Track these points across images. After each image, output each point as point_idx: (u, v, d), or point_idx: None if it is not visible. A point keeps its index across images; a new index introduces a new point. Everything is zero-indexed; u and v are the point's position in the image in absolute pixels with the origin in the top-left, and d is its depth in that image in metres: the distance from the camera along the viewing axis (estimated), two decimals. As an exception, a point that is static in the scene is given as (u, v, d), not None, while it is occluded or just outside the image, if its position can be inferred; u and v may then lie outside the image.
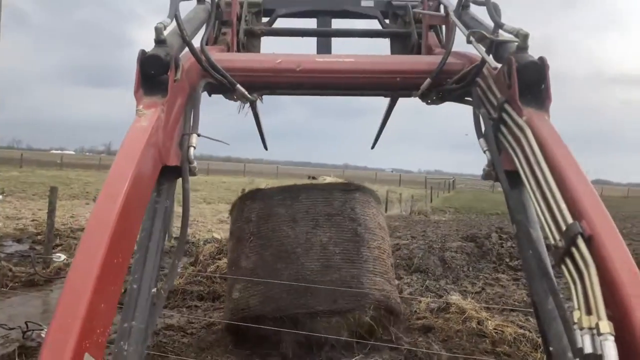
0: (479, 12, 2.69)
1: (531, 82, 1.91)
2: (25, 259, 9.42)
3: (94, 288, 1.27)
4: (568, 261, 1.44)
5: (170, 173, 1.95)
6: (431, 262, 8.78)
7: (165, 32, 2.01)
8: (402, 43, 4.04)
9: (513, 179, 1.87)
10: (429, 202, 33.29)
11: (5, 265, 7.72)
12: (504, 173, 1.88)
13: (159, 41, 1.99)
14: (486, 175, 2.00)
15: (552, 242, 1.54)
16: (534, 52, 2.02)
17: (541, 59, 1.92)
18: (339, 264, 4.75)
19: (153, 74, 1.93)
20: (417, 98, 2.70)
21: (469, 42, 2.27)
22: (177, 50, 2.07)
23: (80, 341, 1.18)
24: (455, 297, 6.60)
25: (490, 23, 2.28)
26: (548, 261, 1.67)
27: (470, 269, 8.91)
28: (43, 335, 2.66)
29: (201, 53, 2.23)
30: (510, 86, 1.94)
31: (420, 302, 6.47)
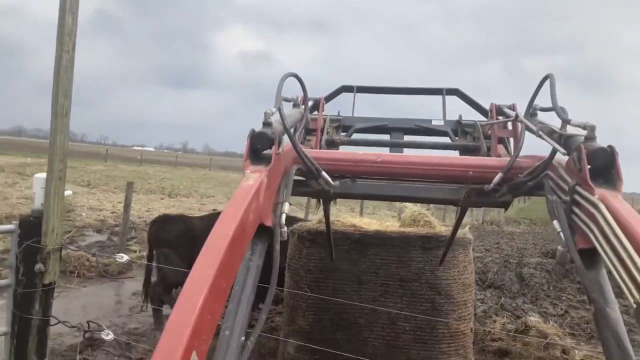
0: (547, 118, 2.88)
1: (601, 167, 2.01)
2: (103, 249, 9.94)
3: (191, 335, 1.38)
4: None
5: (264, 234, 2.16)
6: (507, 278, 8.16)
7: (272, 118, 2.36)
8: (471, 155, 4.29)
9: (588, 259, 1.90)
10: (502, 211, 31.72)
11: (83, 255, 8.11)
12: (578, 252, 1.92)
13: (266, 123, 2.32)
14: (561, 256, 2.03)
15: (632, 300, 1.55)
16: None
17: (610, 146, 2.03)
18: (407, 345, 4.16)
19: (260, 147, 2.26)
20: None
21: (538, 136, 2.49)
22: (279, 133, 2.40)
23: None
24: (534, 319, 6.04)
25: (557, 125, 2.44)
26: (628, 342, 1.66)
27: (551, 288, 8.16)
28: (103, 337, 2.63)
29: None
30: (581, 170, 2.04)
31: (495, 321, 5.98)
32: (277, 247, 2.11)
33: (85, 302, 6.18)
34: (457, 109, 4.71)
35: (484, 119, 4.47)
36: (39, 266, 2.69)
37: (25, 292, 2.72)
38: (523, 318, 6.04)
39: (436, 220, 5.29)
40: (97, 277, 7.39)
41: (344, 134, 4.68)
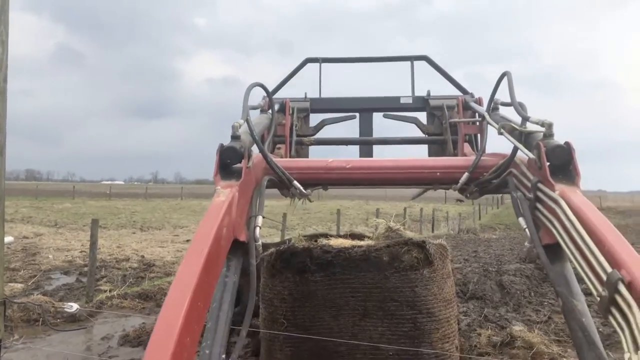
0: (508, 113, 3.01)
1: (560, 164, 2.09)
2: (71, 292, 9.45)
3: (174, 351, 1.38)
4: (614, 310, 1.52)
5: (238, 249, 2.15)
6: (488, 287, 8.08)
7: (240, 130, 2.39)
8: (439, 148, 4.39)
9: (553, 253, 1.98)
10: (477, 219, 32.07)
11: (48, 301, 7.67)
12: (543, 247, 1.99)
13: (234, 136, 2.35)
14: (528, 251, 2.10)
15: (596, 293, 1.63)
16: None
17: (567, 143, 2.13)
18: None
19: (229, 162, 2.28)
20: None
21: (500, 133, 2.55)
22: (248, 145, 2.42)
23: None
24: (519, 328, 5.96)
25: (517, 120, 2.52)
26: (595, 331, 1.76)
27: (532, 294, 8.12)
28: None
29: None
30: (541, 167, 2.12)
31: (480, 334, 5.85)
32: (253, 261, 2.11)
33: (50, 352, 5.78)
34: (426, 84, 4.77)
35: (452, 92, 4.52)
36: (-20, 325, 2.43)
37: (-34, 356, 2.45)
38: (508, 329, 5.95)
39: (412, 234, 5.17)
40: (63, 324, 6.95)
41: (313, 125, 4.72)
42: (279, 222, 15.96)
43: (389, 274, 4.17)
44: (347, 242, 5.02)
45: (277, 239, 15.09)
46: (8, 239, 2.90)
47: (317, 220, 28.61)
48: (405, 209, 23.12)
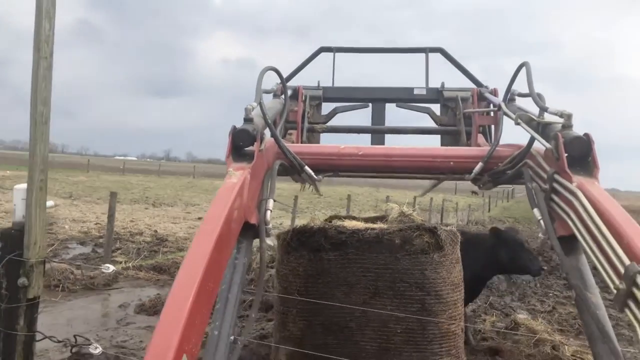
0: (524, 104, 2.94)
1: (578, 155, 2.04)
2: (87, 262, 9.76)
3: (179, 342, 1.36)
4: (631, 303, 1.46)
5: (249, 232, 2.16)
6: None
7: (253, 113, 2.36)
8: (452, 139, 4.37)
9: (567, 245, 1.95)
10: (486, 211, 32.05)
11: (67, 268, 7.95)
12: (558, 239, 1.96)
13: (247, 119, 2.34)
14: (542, 243, 2.05)
15: (612, 286, 1.58)
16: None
17: (586, 134, 2.06)
18: (399, 347, 4.09)
19: (242, 144, 2.28)
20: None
21: (517, 124, 2.49)
22: (261, 128, 2.39)
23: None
24: (523, 316, 6.09)
25: (534, 112, 2.48)
26: (609, 324, 1.74)
27: (538, 285, 8.26)
28: (91, 351, 2.58)
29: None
30: (558, 159, 2.06)
31: (484, 320, 6.00)
32: (264, 244, 2.15)
33: (71, 316, 6.04)
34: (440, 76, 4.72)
35: (466, 84, 4.53)
36: (22, 280, 2.61)
37: (9, 308, 2.64)
38: (512, 316, 6.09)
39: (421, 220, 5.28)
40: (82, 290, 7.24)
41: (325, 114, 4.73)
42: (289, 205, 16.13)
43: (400, 256, 4.31)
44: (360, 224, 5.18)
45: (288, 222, 15.33)
46: (49, 202, 3.06)
47: (326, 204, 28.79)
48: (415, 197, 23.17)
